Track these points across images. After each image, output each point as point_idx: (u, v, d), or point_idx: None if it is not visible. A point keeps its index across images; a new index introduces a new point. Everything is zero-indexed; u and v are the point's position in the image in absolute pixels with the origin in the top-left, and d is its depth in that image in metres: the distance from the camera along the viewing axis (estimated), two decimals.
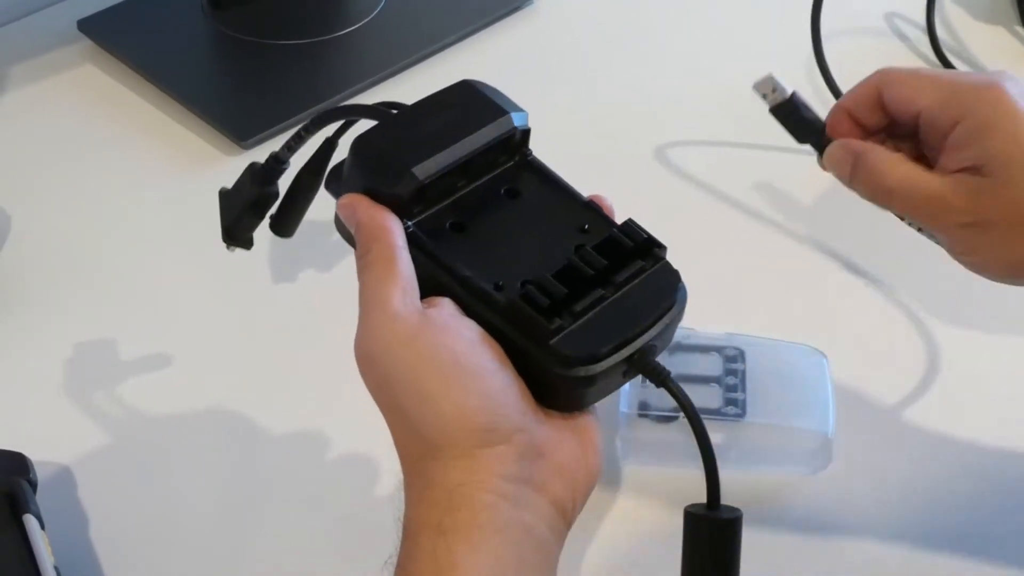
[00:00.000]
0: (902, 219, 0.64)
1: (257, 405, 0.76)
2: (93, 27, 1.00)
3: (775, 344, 0.76)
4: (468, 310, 0.55)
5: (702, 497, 0.56)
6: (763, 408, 0.72)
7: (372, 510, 0.71)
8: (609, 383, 0.56)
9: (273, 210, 0.72)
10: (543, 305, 0.54)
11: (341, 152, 0.66)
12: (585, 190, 0.61)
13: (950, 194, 0.60)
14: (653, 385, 0.56)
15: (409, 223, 0.57)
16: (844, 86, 0.89)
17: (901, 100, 0.62)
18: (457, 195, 0.59)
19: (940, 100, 0.61)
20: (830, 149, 0.63)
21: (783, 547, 0.70)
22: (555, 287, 0.54)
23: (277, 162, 0.69)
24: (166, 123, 0.95)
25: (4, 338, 0.79)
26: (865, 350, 0.80)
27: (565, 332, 0.54)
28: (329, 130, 0.67)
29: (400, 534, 0.54)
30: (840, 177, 0.63)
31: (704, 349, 0.74)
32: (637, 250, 0.57)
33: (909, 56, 1.03)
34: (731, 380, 0.73)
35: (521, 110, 0.60)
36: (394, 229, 0.56)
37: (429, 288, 0.56)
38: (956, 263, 0.63)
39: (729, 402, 0.72)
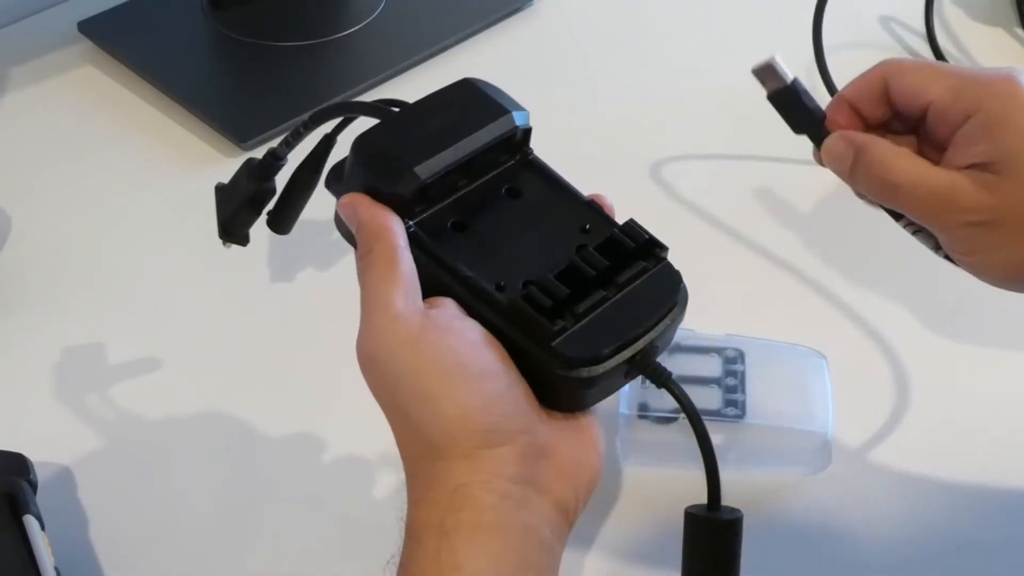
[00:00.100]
0: (898, 219, 0.62)
1: (257, 405, 0.76)
2: (93, 28, 1.00)
3: (775, 345, 0.76)
4: (470, 311, 0.55)
5: (702, 498, 0.56)
6: (763, 409, 0.72)
7: (373, 510, 0.71)
8: (611, 384, 0.56)
9: (270, 207, 0.72)
10: (545, 306, 0.54)
11: (339, 149, 0.66)
12: (585, 191, 0.61)
13: (958, 190, 0.57)
14: (653, 386, 0.56)
15: (410, 222, 0.57)
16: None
17: (910, 91, 0.59)
18: (458, 194, 0.59)
19: (952, 92, 0.58)
20: (829, 141, 0.61)
21: (782, 548, 0.70)
22: (557, 288, 0.54)
23: (275, 158, 0.69)
24: (166, 124, 0.95)
25: (4, 338, 0.79)
26: (864, 351, 0.80)
27: (567, 333, 0.54)
28: (328, 127, 0.67)
29: (402, 534, 0.54)
30: (839, 171, 0.61)
31: (704, 350, 0.74)
32: (639, 250, 0.57)
33: (908, 55, 1.03)
34: (731, 381, 0.73)
35: (522, 109, 0.60)
36: (396, 229, 0.56)
37: (431, 288, 0.56)
38: (954, 267, 0.61)
39: (729, 403, 0.72)
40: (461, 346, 0.53)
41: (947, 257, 0.61)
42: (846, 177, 0.61)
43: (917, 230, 0.61)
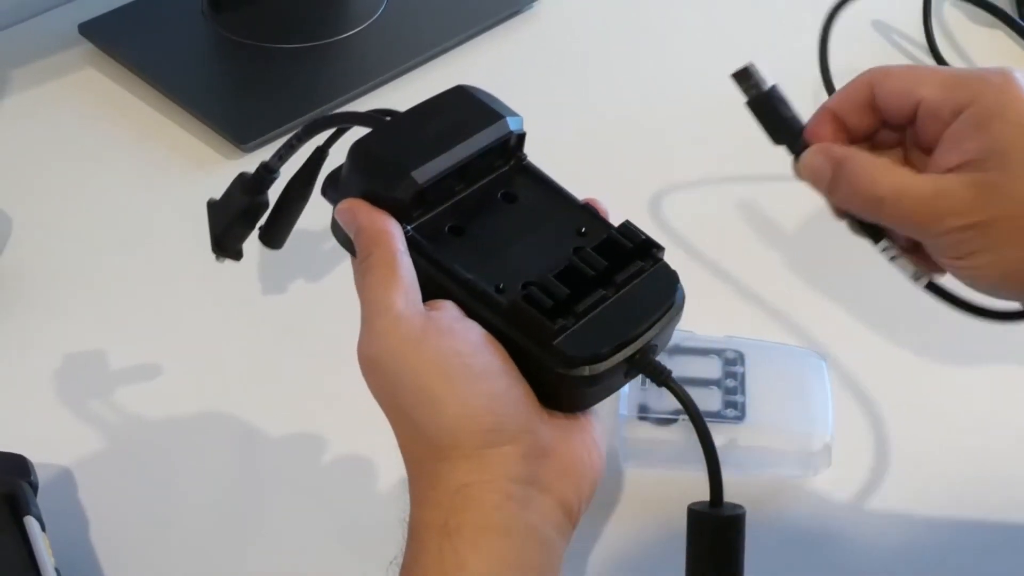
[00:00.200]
0: (876, 242, 0.59)
1: (257, 406, 0.76)
2: (94, 30, 1.00)
3: (774, 347, 0.76)
4: (470, 312, 0.56)
5: (702, 496, 0.56)
6: (762, 411, 0.72)
7: (374, 511, 0.71)
8: (611, 383, 0.56)
9: (262, 221, 0.72)
10: (546, 306, 0.54)
11: (332, 161, 0.67)
12: (586, 192, 0.62)
13: (946, 195, 0.55)
14: (652, 388, 0.57)
15: (408, 227, 0.57)
16: None
17: (898, 92, 0.58)
18: (454, 199, 0.59)
19: (944, 88, 0.56)
20: (807, 155, 0.59)
21: (782, 549, 0.70)
22: (557, 288, 0.55)
23: (268, 171, 0.69)
24: (167, 126, 0.95)
25: (5, 339, 0.80)
26: (864, 353, 0.80)
27: (568, 332, 0.54)
28: (320, 139, 0.67)
29: (405, 535, 0.54)
30: (817, 186, 0.59)
31: (704, 352, 0.75)
32: (636, 251, 0.57)
33: (907, 60, 1.03)
34: (730, 383, 0.73)
35: (516, 115, 0.60)
36: (394, 233, 0.56)
37: (430, 292, 0.56)
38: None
39: (728, 405, 0.72)
40: (463, 347, 0.54)
41: (928, 287, 0.60)
42: (825, 193, 0.59)
43: (895, 256, 0.59)
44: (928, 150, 0.57)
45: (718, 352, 0.74)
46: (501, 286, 0.56)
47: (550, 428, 0.55)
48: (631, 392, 0.72)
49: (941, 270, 0.59)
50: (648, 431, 0.72)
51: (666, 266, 0.58)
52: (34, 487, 0.66)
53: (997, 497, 0.73)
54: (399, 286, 0.54)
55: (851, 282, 0.85)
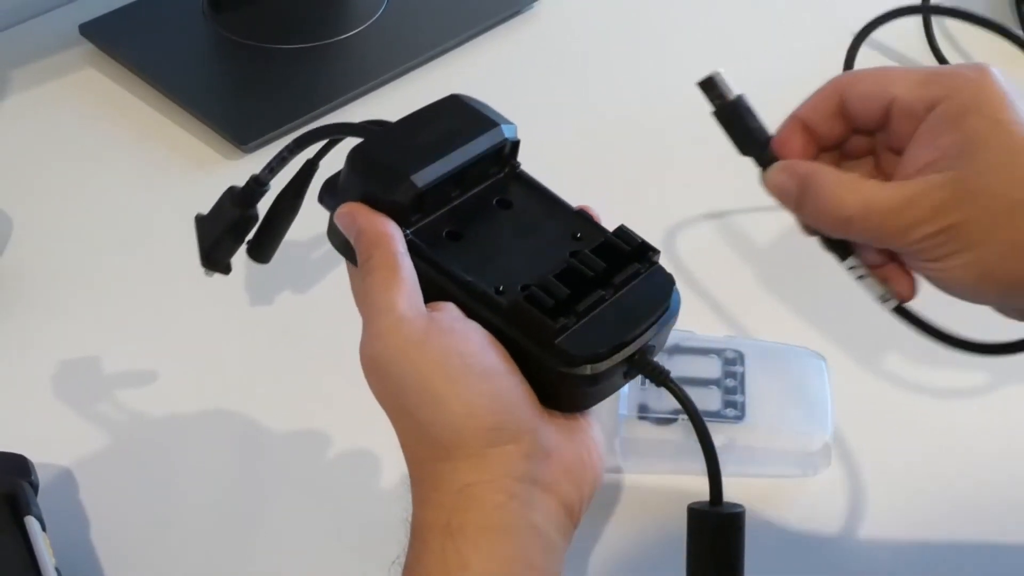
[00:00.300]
0: (843, 259, 0.58)
1: (258, 406, 0.76)
2: (95, 31, 1.00)
3: (774, 347, 0.76)
4: (470, 314, 0.56)
5: (702, 498, 0.56)
6: (762, 411, 0.72)
7: (375, 510, 0.71)
8: (611, 383, 0.57)
9: (250, 236, 0.71)
10: (547, 305, 0.55)
11: (322, 173, 0.67)
12: (585, 193, 0.62)
13: (916, 202, 0.53)
14: (652, 388, 0.57)
15: (407, 231, 0.58)
16: None
17: (869, 94, 0.56)
18: (451, 205, 0.60)
19: (917, 84, 0.55)
20: (771, 173, 0.58)
21: (781, 550, 0.70)
22: (558, 288, 0.55)
23: (258, 184, 0.68)
24: (167, 126, 0.95)
25: (5, 340, 0.80)
26: (864, 353, 0.81)
27: (569, 331, 0.54)
28: (310, 152, 0.67)
29: (407, 535, 0.54)
30: (784, 203, 0.58)
31: (703, 351, 0.75)
32: (633, 254, 0.58)
33: (907, 62, 1.03)
34: (730, 382, 0.73)
35: (510, 123, 0.61)
36: (395, 235, 0.56)
37: (429, 294, 0.56)
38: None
39: (728, 404, 0.72)
40: (465, 347, 0.54)
41: (896, 310, 0.59)
42: (792, 210, 0.58)
43: (862, 276, 0.58)
44: (901, 151, 0.56)
45: (718, 352, 0.75)
46: (500, 288, 0.56)
47: (551, 428, 0.55)
48: (631, 392, 0.72)
49: (910, 294, 0.58)
50: (648, 430, 0.72)
51: (662, 269, 0.58)
52: (35, 487, 0.66)
53: (996, 496, 0.73)
54: (401, 287, 0.54)
55: (851, 282, 0.85)
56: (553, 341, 0.54)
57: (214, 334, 0.81)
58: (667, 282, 0.58)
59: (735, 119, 0.59)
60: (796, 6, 1.09)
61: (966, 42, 1.05)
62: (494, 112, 0.61)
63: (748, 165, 0.89)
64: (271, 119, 0.94)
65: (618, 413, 0.71)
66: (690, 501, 0.57)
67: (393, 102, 0.97)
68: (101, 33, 1.00)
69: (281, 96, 0.97)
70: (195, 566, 0.69)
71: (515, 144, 0.61)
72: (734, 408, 0.72)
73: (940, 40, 1.04)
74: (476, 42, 1.03)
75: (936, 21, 1.05)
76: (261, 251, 0.72)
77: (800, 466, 0.73)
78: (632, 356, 0.55)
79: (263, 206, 0.71)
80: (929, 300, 0.59)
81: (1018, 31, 1.02)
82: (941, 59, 1.02)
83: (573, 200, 0.61)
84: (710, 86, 0.60)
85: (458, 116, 0.60)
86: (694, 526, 0.56)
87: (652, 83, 1.01)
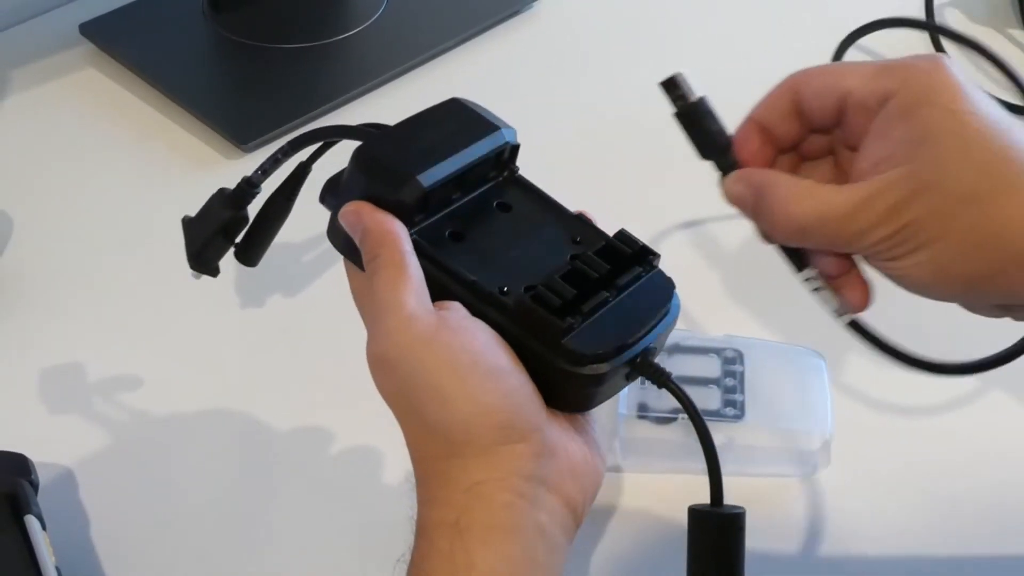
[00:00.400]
0: (800, 268, 0.57)
1: (258, 406, 0.76)
2: (95, 30, 1.00)
3: (774, 346, 0.76)
4: (476, 314, 0.56)
5: (702, 497, 0.56)
6: (762, 410, 0.72)
7: (376, 509, 0.71)
8: (614, 384, 0.57)
9: (238, 239, 0.71)
10: (554, 305, 0.55)
11: (315, 176, 0.67)
12: (585, 193, 0.62)
13: (870, 203, 0.52)
14: (651, 387, 0.57)
15: (411, 231, 0.58)
16: None
17: (823, 90, 0.55)
18: (452, 207, 0.60)
19: (870, 77, 0.54)
20: (728, 182, 0.57)
21: (781, 549, 0.70)
22: (564, 288, 0.55)
23: (250, 186, 0.68)
24: (167, 126, 0.95)
25: (6, 339, 0.80)
26: (863, 352, 0.80)
27: (576, 331, 0.55)
28: (302, 155, 0.67)
29: (413, 533, 0.54)
30: (741, 211, 0.57)
31: (703, 351, 0.75)
32: (634, 257, 0.58)
33: None
34: (730, 382, 0.73)
35: (510, 127, 0.61)
36: (401, 234, 0.56)
37: (434, 294, 0.56)
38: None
39: (728, 404, 0.72)
40: (475, 344, 0.54)
41: (851, 325, 0.58)
42: (750, 218, 0.57)
43: (818, 288, 0.57)
44: (857, 147, 0.55)
45: (717, 351, 0.75)
46: (504, 289, 0.57)
47: (556, 428, 0.55)
48: (630, 391, 0.72)
49: (862, 304, 0.57)
50: (647, 430, 0.72)
51: (662, 272, 0.59)
52: (35, 486, 0.67)
53: (995, 495, 0.73)
54: (409, 285, 0.54)
55: None
56: (560, 341, 0.54)
57: (214, 334, 0.81)
58: (667, 285, 0.58)
59: (696, 122, 0.58)
60: (796, 6, 1.09)
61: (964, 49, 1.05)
62: (494, 116, 0.61)
63: None
64: (271, 119, 0.94)
65: (617, 412, 0.71)
66: (689, 500, 0.57)
67: (393, 102, 0.97)
68: (101, 33, 1.00)
69: (281, 96, 0.97)
70: (195, 565, 0.69)
71: (515, 148, 0.61)
72: (733, 407, 0.72)
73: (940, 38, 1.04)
74: (475, 42, 1.04)
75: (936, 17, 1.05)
76: (249, 253, 0.72)
77: (799, 465, 0.73)
78: (634, 358, 0.56)
79: (253, 209, 0.70)
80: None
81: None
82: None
83: (572, 201, 0.62)
84: (672, 87, 0.59)
85: (460, 119, 0.61)
86: (695, 527, 0.56)
87: (651, 83, 1.00)
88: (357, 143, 0.60)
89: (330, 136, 0.65)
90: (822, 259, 0.57)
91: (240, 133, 0.93)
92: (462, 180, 0.59)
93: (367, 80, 0.98)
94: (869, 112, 0.54)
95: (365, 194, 0.58)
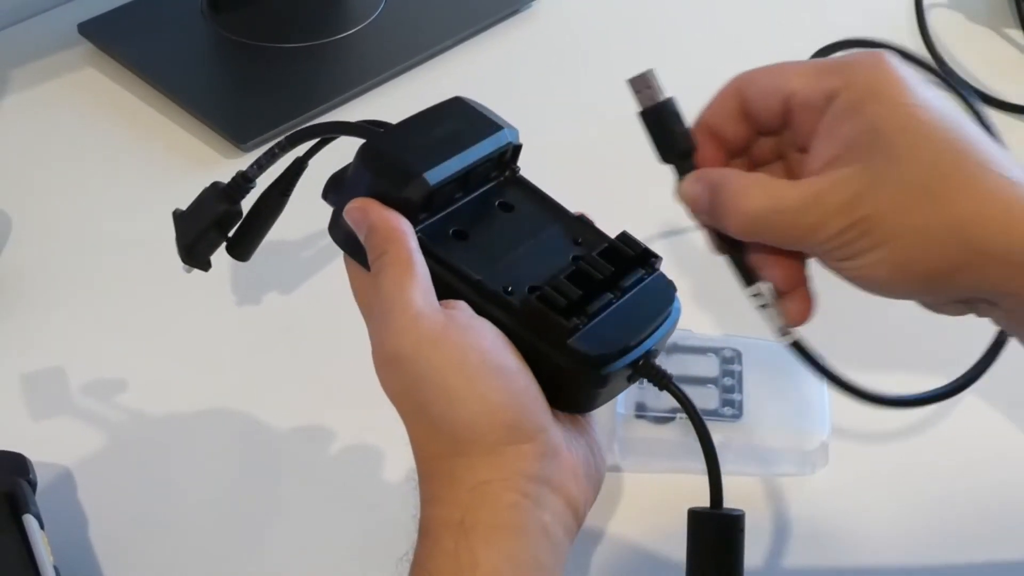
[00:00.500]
0: (749, 283, 0.56)
1: (258, 405, 0.76)
2: (94, 30, 1.00)
3: (772, 345, 0.76)
4: (480, 313, 0.56)
5: (700, 497, 0.56)
6: (760, 409, 0.72)
7: (378, 509, 0.71)
8: (616, 386, 0.57)
9: (231, 233, 0.71)
10: (560, 305, 0.55)
11: (310, 172, 0.67)
12: (584, 192, 0.62)
13: (823, 198, 0.51)
14: (649, 387, 0.57)
15: (416, 229, 0.58)
16: None
17: (768, 91, 0.54)
18: (455, 206, 0.60)
19: (814, 76, 0.53)
20: (685, 183, 0.56)
21: (778, 548, 0.70)
22: (570, 289, 0.55)
23: (245, 180, 0.68)
24: (166, 126, 0.95)
25: (4, 339, 0.80)
26: (861, 351, 0.80)
27: (581, 332, 0.55)
28: (299, 150, 0.67)
29: (416, 531, 0.54)
30: (697, 213, 0.56)
31: (701, 350, 0.75)
32: (637, 259, 0.58)
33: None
34: (728, 381, 0.73)
35: (512, 127, 0.61)
36: (408, 231, 0.56)
37: (438, 293, 0.56)
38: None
39: (726, 403, 0.72)
40: (483, 344, 0.54)
41: (793, 345, 0.57)
42: (706, 220, 0.56)
43: (764, 304, 0.56)
44: (807, 149, 0.54)
45: (715, 351, 0.75)
46: (509, 288, 0.57)
47: (559, 429, 0.55)
48: (628, 391, 0.72)
49: (802, 318, 0.56)
50: (645, 429, 0.72)
51: (663, 275, 0.59)
52: (33, 486, 0.67)
53: (994, 494, 0.73)
54: (416, 283, 0.54)
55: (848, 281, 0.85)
56: (565, 341, 0.54)
57: (213, 334, 0.81)
58: (669, 288, 0.59)
59: (663, 122, 0.57)
60: (795, 6, 1.09)
61: (960, 49, 1.06)
62: (497, 116, 0.61)
63: None
64: (270, 118, 0.94)
65: (616, 412, 0.71)
66: (688, 499, 0.57)
67: (392, 101, 0.97)
68: (100, 32, 1.00)
69: (280, 95, 0.97)
70: (194, 565, 0.69)
71: (517, 148, 0.62)
72: (732, 407, 0.72)
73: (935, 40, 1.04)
74: (474, 41, 1.04)
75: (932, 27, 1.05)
76: (242, 248, 0.72)
77: (798, 465, 0.73)
78: (637, 360, 0.56)
79: (246, 205, 0.70)
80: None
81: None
82: (935, 54, 1.03)
83: (571, 200, 0.62)
84: (640, 85, 0.57)
85: (463, 118, 0.61)
86: (694, 529, 0.57)
87: None
88: (355, 140, 0.60)
89: (328, 132, 0.65)
90: (772, 270, 0.56)
91: (239, 133, 0.93)
92: (465, 179, 0.59)
93: (366, 80, 0.98)
94: (815, 111, 0.53)
95: (370, 191, 0.57)
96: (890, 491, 0.73)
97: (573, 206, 0.62)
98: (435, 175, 0.57)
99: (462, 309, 0.55)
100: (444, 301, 0.56)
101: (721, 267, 0.85)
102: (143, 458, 0.74)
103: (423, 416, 0.54)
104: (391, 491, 0.72)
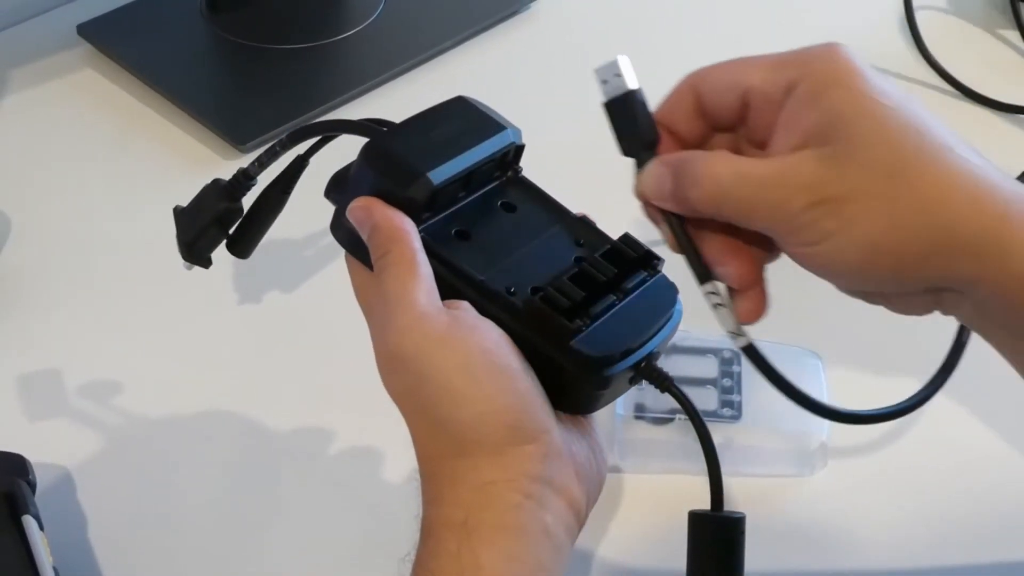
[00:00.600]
0: (704, 280, 0.54)
1: (258, 405, 0.76)
2: (93, 31, 1.00)
3: (770, 346, 0.76)
4: (483, 313, 0.56)
5: (700, 498, 0.56)
6: (759, 410, 0.72)
7: (378, 509, 0.71)
8: (618, 387, 0.57)
9: (231, 230, 0.71)
10: (563, 307, 0.55)
11: (311, 171, 0.67)
12: (584, 193, 0.62)
13: (792, 172, 0.50)
14: (649, 388, 0.57)
15: (419, 229, 0.58)
16: None
17: (724, 86, 0.54)
18: (458, 206, 0.60)
19: (771, 69, 0.53)
20: (646, 170, 0.54)
21: (777, 549, 0.70)
22: (573, 290, 0.55)
23: (246, 177, 0.68)
24: (165, 126, 0.95)
25: (4, 339, 0.80)
26: (860, 351, 0.81)
27: (584, 333, 0.55)
28: (300, 148, 0.67)
29: (418, 531, 0.54)
30: (660, 198, 0.54)
31: (700, 351, 0.75)
32: (639, 261, 0.58)
33: (900, 64, 1.03)
34: (727, 382, 0.73)
35: (515, 127, 0.61)
36: (411, 231, 0.56)
37: (441, 293, 0.56)
38: None
39: (725, 404, 0.72)
40: (487, 344, 0.54)
41: (745, 350, 0.55)
42: (669, 203, 0.54)
43: (718, 304, 0.55)
44: (764, 145, 0.53)
45: (715, 351, 0.75)
46: (512, 289, 0.57)
47: (562, 430, 0.55)
48: (628, 392, 0.72)
49: (756, 316, 0.56)
50: (645, 430, 0.72)
51: (665, 277, 0.59)
52: (32, 486, 0.67)
53: (993, 494, 0.73)
54: (420, 283, 0.54)
55: None
56: (569, 342, 0.54)
57: (213, 334, 0.81)
58: (671, 290, 0.59)
59: (627, 113, 0.55)
60: (796, 7, 1.09)
61: (955, 52, 1.06)
62: (499, 116, 0.61)
63: None
64: (269, 119, 0.94)
65: (615, 413, 0.71)
66: (688, 500, 0.57)
67: (391, 102, 0.97)
68: (99, 33, 1.00)
69: (279, 96, 0.97)
70: (194, 566, 0.69)
71: (520, 148, 0.61)
72: (731, 408, 0.72)
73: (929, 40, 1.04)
74: (474, 42, 1.04)
75: (925, 28, 1.05)
76: (242, 245, 0.72)
77: (797, 465, 0.73)
78: (639, 362, 0.56)
79: (247, 202, 0.70)
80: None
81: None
82: (927, 56, 1.03)
83: (571, 200, 0.62)
84: (609, 71, 0.56)
85: (467, 118, 0.60)
86: (695, 532, 0.57)
87: (650, 83, 1.00)
88: (357, 139, 0.60)
89: (330, 131, 0.65)
90: (730, 265, 0.55)
91: (238, 133, 0.93)
92: (468, 179, 0.59)
93: (365, 80, 0.98)
94: (774, 104, 0.52)
95: (373, 190, 0.57)
96: (889, 491, 0.73)
97: (572, 206, 0.62)
98: (439, 175, 0.57)
99: (466, 309, 0.55)
100: (447, 301, 0.55)
101: None
102: (142, 459, 0.74)
103: (426, 416, 0.54)
104: (392, 491, 0.72)
